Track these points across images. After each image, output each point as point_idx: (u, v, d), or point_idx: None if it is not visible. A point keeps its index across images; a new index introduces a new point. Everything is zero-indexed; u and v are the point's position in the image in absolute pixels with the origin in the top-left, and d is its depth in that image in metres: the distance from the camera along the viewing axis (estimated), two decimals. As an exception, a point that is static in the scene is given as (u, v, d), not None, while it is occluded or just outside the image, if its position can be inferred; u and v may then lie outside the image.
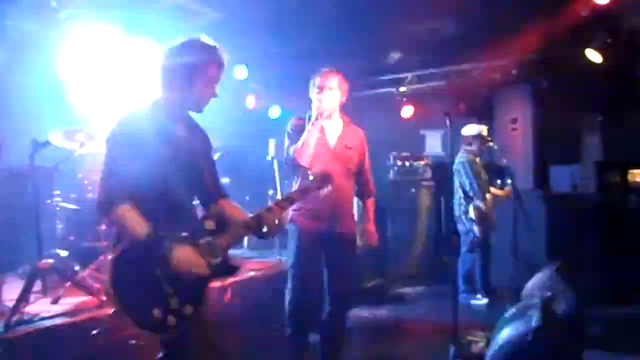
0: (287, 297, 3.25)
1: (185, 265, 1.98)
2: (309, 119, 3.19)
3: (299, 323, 3.23)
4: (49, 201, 4.40)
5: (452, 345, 3.44)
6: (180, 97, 2.16)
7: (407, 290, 6.13)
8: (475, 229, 5.22)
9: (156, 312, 1.95)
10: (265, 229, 2.23)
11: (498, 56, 6.43)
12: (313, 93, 3.23)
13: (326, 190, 2.50)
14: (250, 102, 7.36)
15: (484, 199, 5.22)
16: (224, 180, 5.96)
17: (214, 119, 6.42)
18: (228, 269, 2.18)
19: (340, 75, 3.24)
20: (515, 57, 6.37)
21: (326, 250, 3.21)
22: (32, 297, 3.46)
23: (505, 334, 2.70)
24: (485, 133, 5.39)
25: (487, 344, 3.45)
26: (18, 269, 4.42)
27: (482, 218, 5.20)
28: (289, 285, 3.24)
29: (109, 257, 2.00)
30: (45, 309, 3.33)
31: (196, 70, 2.14)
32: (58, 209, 4.42)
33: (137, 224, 1.96)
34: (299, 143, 3.13)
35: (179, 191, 2.14)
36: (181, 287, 2.01)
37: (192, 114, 2.30)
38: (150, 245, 1.95)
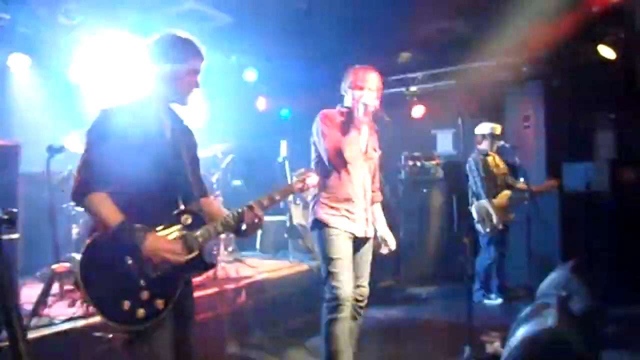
0: (341, 284, 2.94)
1: (158, 253, 1.98)
2: (348, 114, 3.09)
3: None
4: (64, 205, 4.46)
5: (467, 346, 3.43)
6: (166, 91, 2.19)
7: (420, 290, 6.11)
8: (479, 226, 5.22)
9: (126, 304, 1.93)
10: (244, 227, 2.21)
11: (509, 54, 6.39)
12: (354, 90, 3.08)
13: (306, 192, 2.47)
14: (261, 104, 7.38)
15: (489, 197, 5.19)
16: (236, 183, 6.00)
17: (226, 121, 6.47)
18: (203, 265, 2.16)
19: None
20: (527, 54, 6.32)
21: (354, 252, 3.12)
22: (50, 300, 3.52)
23: (521, 333, 2.69)
24: (497, 132, 5.37)
25: (503, 344, 3.44)
26: (36, 272, 4.50)
27: (487, 216, 5.18)
28: (342, 276, 2.94)
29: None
30: (62, 312, 3.37)
31: (182, 63, 2.17)
32: (73, 213, 4.47)
33: (111, 212, 1.96)
34: (352, 136, 2.98)
35: (161, 186, 2.11)
36: (153, 279, 1.99)
37: (178, 109, 2.30)
38: (123, 234, 1.94)
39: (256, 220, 2.21)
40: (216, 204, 2.39)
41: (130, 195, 2.02)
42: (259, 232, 6.60)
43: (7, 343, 0.79)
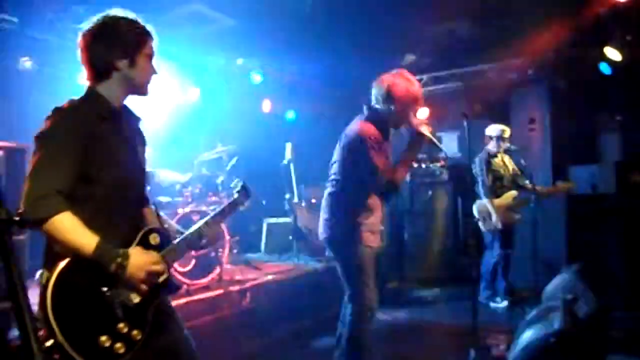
0: (374, 295, 3.06)
1: (144, 267, 1.81)
2: (386, 129, 3.04)
3: None
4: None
5: (472, 348, 3.42)
6: (123, 81, 1.93)
7: (426, 292, 6.10)
8: (480, 225, 5.22)
9: (104, 339, 1.71)
10: (203, 242, 2.16)
11: (514, 56, 6.38)
12: (405, 112, 2.98)
13: (245, 206, 2.40)
14: (266, 106, 7.40)
15: (489, 197, 5.18)
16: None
17: (231, 123, 6.47)
18: (172, 287, 2.05)
19: None
20: (532, 56, 6.31)
21: None
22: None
23: (527, 336, 2.68)
24: (506, 135, 5.36)
25: (508, 347, 3.43)
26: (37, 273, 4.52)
27: (488, 215, 5.18)
28: (373, 288, 3.05)
29: (45, 276, 1.70)
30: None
31: (136, 46, 1.92)
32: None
33: (84, 236, 1.69)
34: (404, 171, 3.03)
35: (130, 194, 1.96)
36: (130, 309, 1.82)
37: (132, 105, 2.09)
38: (104, 259, 1.72)
39: (213, 236, 2.19)
40: (163, 216, 2.21)
41: (94, 209, 1.81)
42: (264, 233, 6.61)
43: (19, 343, 0.80)
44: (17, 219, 0.81)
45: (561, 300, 2.91)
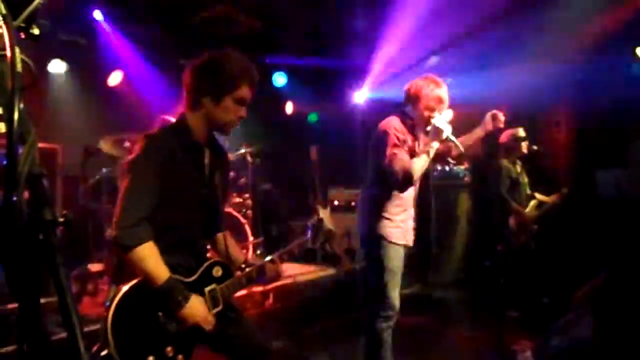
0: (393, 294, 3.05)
1: (194, 319, 1.93)
2: (413, 127, 3.04)
3: None
4: (98, 206, 4.57)
5: (497, 354, 3.38)
6: (206, 117, 2.01)
7: (449, 296, 6.04)
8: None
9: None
10: (264, 279, 2.24)
11: (540, 58, 6.28)
12: (424, 110, 2.99)
13: (317, 244, 2.37)
14: (290, 108, 7.42)
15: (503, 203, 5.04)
16: (266, 186, 6.06)
17: (255, 124, 6.51)
18: (227, 318, 2.13)
19: None
20: (558, 58, 6.21)
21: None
22: (84, 299, 3.61)
23: (556, 344, 2.64)
24: (523, 147, 5.16)
25: (534, 354, 3.38)
26: (71, 272, 4.62)
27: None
28: (391, 285, 3.03)
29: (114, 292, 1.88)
30: (96, 311, 3.44)
31: (226, 86, 1.97)
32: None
33: (158, 267, 1.85)
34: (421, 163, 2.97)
35: (196, 223, 2.07)
36: (179, 334, 1.94)
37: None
38: (169, 293, 1.86)
39: (275, 274, 2.25)
40: (232, 242, 2.30)
41: (167, 233, 1.95)
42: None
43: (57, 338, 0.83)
44: (62, 219, 0.83)
45: (590, 307, 2.86)
